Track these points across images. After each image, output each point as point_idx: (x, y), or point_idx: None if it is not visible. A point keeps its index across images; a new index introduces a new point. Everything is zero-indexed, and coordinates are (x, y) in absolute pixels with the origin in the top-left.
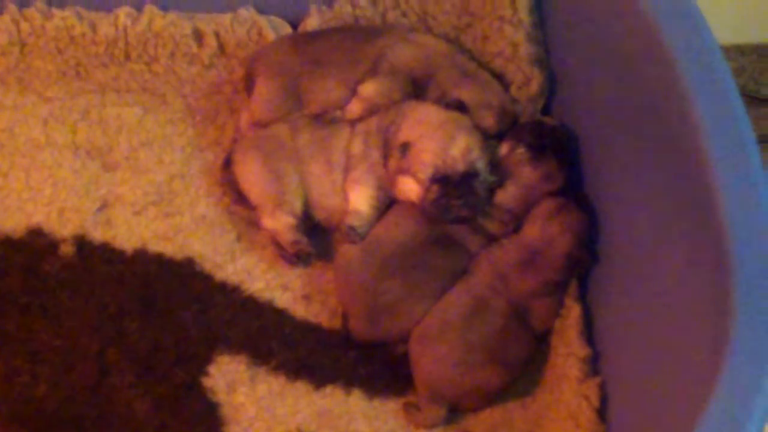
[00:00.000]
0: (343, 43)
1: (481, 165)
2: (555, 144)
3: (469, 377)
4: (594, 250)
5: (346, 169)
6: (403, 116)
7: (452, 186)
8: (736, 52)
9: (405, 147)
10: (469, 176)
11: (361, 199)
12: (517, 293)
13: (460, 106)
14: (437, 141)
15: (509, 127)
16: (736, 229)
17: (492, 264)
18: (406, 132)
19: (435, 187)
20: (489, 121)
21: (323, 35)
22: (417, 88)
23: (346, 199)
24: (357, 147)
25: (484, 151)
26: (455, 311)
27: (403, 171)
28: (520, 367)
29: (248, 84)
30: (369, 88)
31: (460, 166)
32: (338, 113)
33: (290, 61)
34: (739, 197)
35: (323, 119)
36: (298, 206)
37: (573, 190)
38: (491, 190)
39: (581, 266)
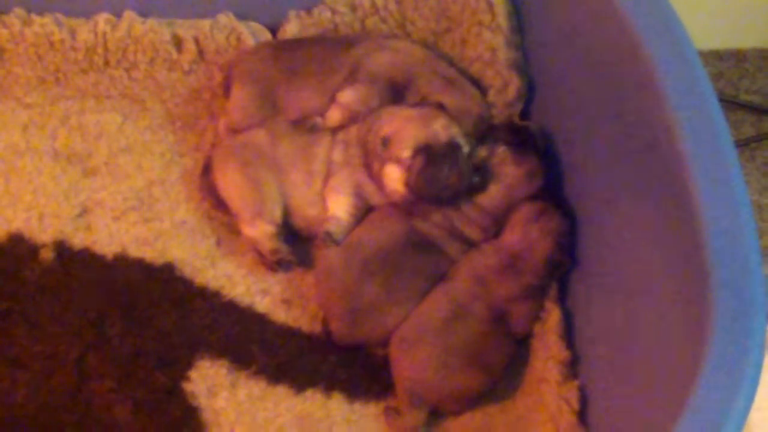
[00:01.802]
0: (320, 52)
1: (461, 141)
2: (533, 142)
3: (449, 381)
4: (574, 253)
5: (326, 177)
6: (380, 120)
7: (436, 154)
8: (715, 58)
9: (386, 139)
10: (452, 148)
11: (339, 206)
12: (497, 298)
13: (440, 108)
14: (417, 124)
15: (483, 134)
16: (715, 234)
17: (472, 268)
18: (386, 128)
19: (419, 158)
20: (467, 128)
21: (301, 43)
22: (396, 95)
23: (324, 206)
24: (337, 155)
25: (464, 136)
26: (435, 315)
27: (386, 161)
28: (501, 371)
29: (226, 89)
30: (347, 95)
31: (442, 137)
32: (318, 120)
33: (267, 69)
34: (717, 202)
35: (303, 127)
36: (277, 214)
37: (552, 193)
38: (473, 189)
39: (561, 270)
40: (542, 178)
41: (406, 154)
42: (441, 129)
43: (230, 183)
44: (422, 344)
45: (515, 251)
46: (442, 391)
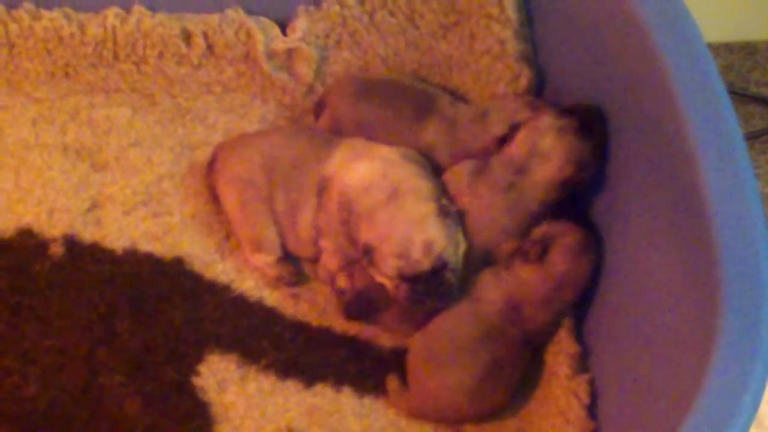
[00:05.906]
0: (389, 116)
1: (447, 254)
2: (597, 135)
3: (478, 403)
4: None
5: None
6: (359, 211)
7: (420, 283)
8: (725, 50)
9: (368, 250)
10: (436, 270)
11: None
12: (531, 326)
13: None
14: (396, 244)
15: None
16: (725, 228)
17: (507, 294)
18: (367, 233)
19: (403, 286)
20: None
21: (377, 94)
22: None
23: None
24: (321, 221)
25: (448, 236)
26: (464, 334)
27: (369, 267)
28: (520, 379)
29: (318, 110)
30: None
31: (425, 266)
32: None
33: (345, 110)
34: (727, 195)
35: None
36: (277, 244)
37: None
38: (503, 140)
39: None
40: (591, 171)
41: (389, 274)
42: (422, 255)
43: (230, 212)
44: (454, 366)
45: (564, 282)
46: (470, 413)
